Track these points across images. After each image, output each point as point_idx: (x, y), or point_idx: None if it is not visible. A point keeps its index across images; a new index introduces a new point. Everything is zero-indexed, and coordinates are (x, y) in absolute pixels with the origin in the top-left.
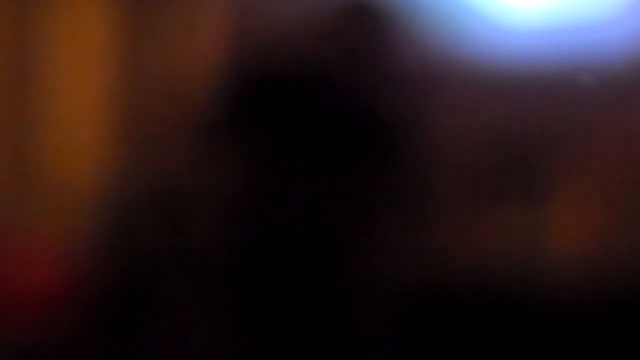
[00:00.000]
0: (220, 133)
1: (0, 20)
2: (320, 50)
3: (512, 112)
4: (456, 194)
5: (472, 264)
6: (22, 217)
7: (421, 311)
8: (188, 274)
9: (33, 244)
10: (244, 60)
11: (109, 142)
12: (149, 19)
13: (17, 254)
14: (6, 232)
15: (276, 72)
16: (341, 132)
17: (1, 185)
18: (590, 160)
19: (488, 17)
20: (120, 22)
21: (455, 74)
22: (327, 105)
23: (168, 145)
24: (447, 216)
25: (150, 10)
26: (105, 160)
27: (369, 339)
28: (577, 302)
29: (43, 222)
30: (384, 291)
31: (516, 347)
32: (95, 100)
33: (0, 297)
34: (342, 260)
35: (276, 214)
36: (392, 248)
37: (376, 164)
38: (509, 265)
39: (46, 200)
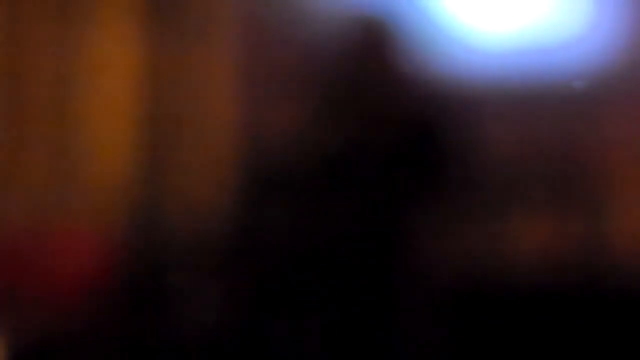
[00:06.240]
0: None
1: (46, 44)
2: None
3: (485, 121)
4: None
5: (501, 264)
6: (66, 214)
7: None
8: (211, 265)
9: (75, 235)
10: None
11: (139, 148)
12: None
13: (62, 244)
14: (53, 226)
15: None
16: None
17: (50, 186)
18: (556, 168)
19: (464, 39)
20: (146, 46)
21: (438, 89)
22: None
23: (188, 151)
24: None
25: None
26: (136, 164)
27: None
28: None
29: (84, 217)
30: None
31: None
32: (127, 114)
33: (45, 281)
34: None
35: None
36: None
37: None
38: (528, 263)
39: (87, 200)
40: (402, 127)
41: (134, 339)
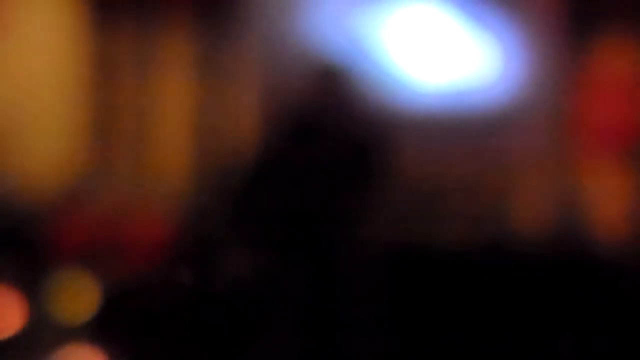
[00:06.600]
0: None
1: (131, 84)
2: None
3: (421, 139)
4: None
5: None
6: (142, 197)
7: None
8: (245, 239)
9: (149, 211)
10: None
11: (191, 152)
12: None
13: (139, 218)
14: (132, 207)
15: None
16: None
17: (131, 178)
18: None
19: (403, 82)
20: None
21: (387, 118)
22: (319, 128)
23: (227, 155)
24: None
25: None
26: (188, 164)
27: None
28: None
29: (155, 200)
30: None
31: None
32: (182, 129)
33: (128, 245)
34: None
35: (298, 203)
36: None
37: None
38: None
39: (156, 187)
40: (353, 144)
41: (188, 286)
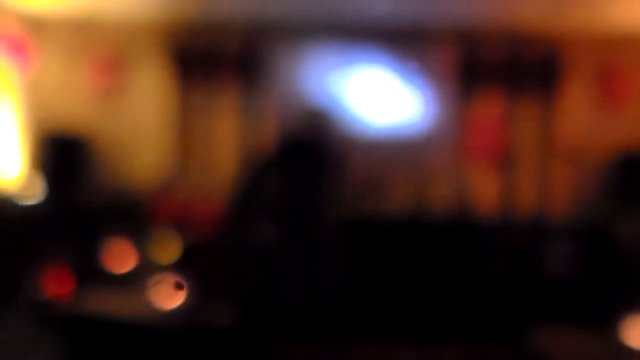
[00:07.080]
0: (273, 158)
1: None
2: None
3: (371, 152)
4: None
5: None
6: (206, 187)
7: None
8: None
9: (210, 196)
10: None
11: (236, 159)
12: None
13: (204, 199)
14: (200, 192)
15: (290, 141)
16: (312, 159)
17: (199, 173)
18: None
19: (366, 119)
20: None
21: (351, 143)
22: (309, 149)
23: (254, 160)
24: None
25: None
26: (235, 165)
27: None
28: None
29: (214, 188)
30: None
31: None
32: (231, 147)
33: (198, 215)
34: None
35: (287, 189)
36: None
37: (318, 172)
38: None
39: (216, 182)
40: (329, 155)
41: (235, 242)
